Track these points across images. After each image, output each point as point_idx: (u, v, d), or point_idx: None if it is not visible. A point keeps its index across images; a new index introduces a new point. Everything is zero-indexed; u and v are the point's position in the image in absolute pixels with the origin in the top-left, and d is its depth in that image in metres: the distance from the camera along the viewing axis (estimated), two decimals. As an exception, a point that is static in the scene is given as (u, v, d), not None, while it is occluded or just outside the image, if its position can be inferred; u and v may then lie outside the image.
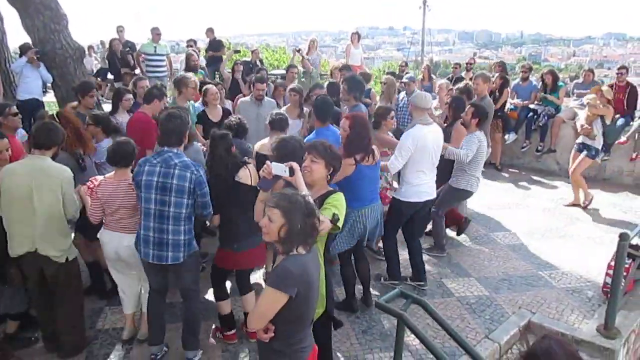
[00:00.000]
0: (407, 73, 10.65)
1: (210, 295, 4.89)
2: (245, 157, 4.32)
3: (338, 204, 3.14)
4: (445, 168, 5.69)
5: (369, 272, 4.95)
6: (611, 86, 8.70)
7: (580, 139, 7.59)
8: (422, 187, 5.02)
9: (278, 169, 3.05)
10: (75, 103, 6.49)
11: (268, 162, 3.13)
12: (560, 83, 8.79)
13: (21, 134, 5.49)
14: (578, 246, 6.30)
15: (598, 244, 6.29)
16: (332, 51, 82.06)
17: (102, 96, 10.21)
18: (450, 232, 6.48)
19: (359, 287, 4.95)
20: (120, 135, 5.46)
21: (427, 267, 5.75)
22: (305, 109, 6.63)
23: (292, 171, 3.03)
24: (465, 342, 3.38)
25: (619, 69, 8.89)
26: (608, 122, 7.45)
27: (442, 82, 8.35)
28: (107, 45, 10.54)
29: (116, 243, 4.05)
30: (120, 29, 10.44)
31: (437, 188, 5.40)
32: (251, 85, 7.08)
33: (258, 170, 3.89)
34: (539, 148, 9.24)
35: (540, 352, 2.06)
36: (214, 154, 4.03)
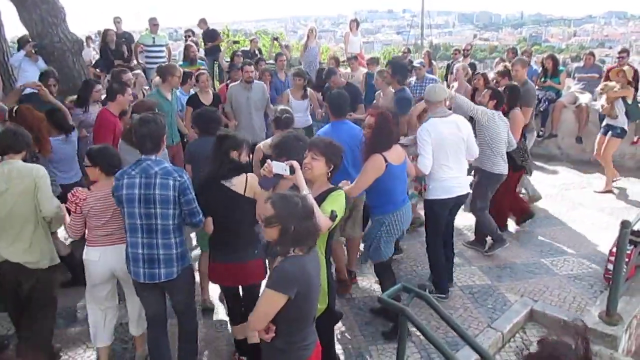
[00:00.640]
0: (408, 59, 10.65)
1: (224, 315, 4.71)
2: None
3: (338, 201, 3.15)
4: None
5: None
6: (613, 69, 8.66)
7: (604, 122, 7.55)
8: (450, 182, 4.69)
9: (279, 167, 3.06)
10: (74, 97, 6.50)
11: (269, 160, 3.14)
12: (560, 67, 8.74)
13: None
14: (580, 232, 6.30)
15: (600, 230, 6.29)
16: (331, 35, 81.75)
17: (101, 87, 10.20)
18: (465, 221, 6.34)
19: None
20: (78, 131, 5.51)
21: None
22: (309, 90, 7.26)
23: (292, 170, 3.03)
24: (467, 335, 3.40)
25: (619, 52, 8.83)
26: (630, 101, 7.38)
27: (460, 65, 8.40)
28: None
29: (110, 258, 3.71)
30: (117, 20, 10.36)
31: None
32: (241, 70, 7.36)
33: None
34: (540, 133, 9.20)
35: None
36: (214, 154, 3.73)
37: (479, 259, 5.69)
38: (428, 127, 4.67)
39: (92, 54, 10.89)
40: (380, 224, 4.19)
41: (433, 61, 11.32)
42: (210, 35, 10.98)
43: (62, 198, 4.07)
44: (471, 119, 5.27)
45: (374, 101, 6.79)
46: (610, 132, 7.39)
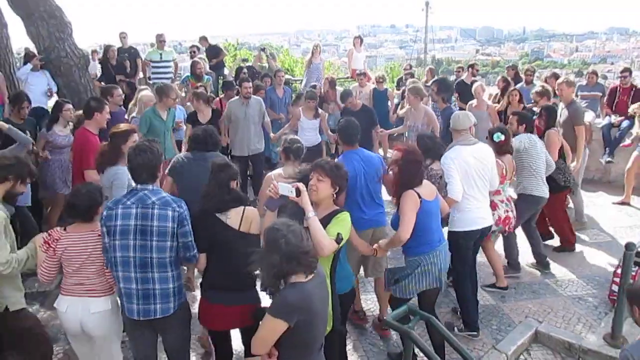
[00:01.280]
0: (410, 76, 10.74)
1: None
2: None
3: (343, 223, 3.15)
4: None
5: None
6: (615, 89, 8.70)
7: None
8: (476, 213, 4.54)
9: (284, 189, 3.08)
10: (79, 112, 6.54)
11: (275, 182, 3.15)
12: (564, 86, 8.75)
13: None
14: (584, 252, 6.29)
15: (604, 249, 6.29)
16: (334, 50, 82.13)
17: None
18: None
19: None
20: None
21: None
22: (320, 111, 7.62)
23: (298, 192, 3.04)
24: (471, 357, 3.39)
25: (622, 72, 8.90)
26: None
27: (478, 84, 8.46)
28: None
29: (79, 311, 3.36)
30: (123, 36, 10.46)
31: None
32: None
33: None
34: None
35: None
36: (210, 187, 3.49)
37: (482, 278, 5.62)
38: (451, 154, 4.55)
39: (97, 67, 10.99)
40: (416, 266, 3.89)
41: (436, 77, 11.39)
42: (214, 52, 11.09)
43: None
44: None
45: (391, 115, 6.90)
46: None
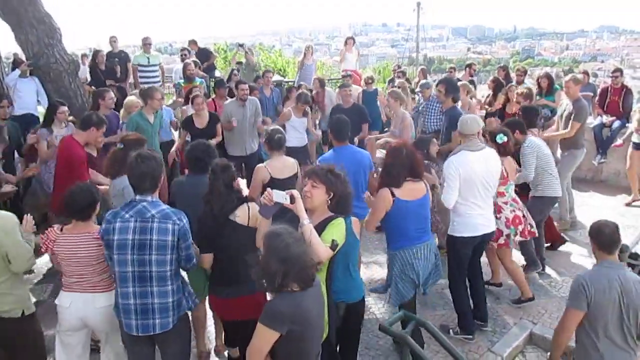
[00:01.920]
0: (402, 75, 10.77)
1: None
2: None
3: (338, 229, 3.13)
4: None
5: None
6: (606, 89, 8.74)
7: (635, 139, 7.69)
8: (477, 219, 4.48)
9: (279, 196, 3.06)
10: (71, 117, 6.51)
11: (269, 189, 3.13)
12: (555, 86, 8.80)
13: None
14: (577, 252, 6.31)
15: (597, 250, 6.28)
16: (325, 49, 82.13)
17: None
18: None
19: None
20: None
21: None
22: (308, 108, 7.60)
23: (292, 199, 3.03)
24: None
25: (613, 72, 8.94)
26: None
27: (461, 84, 8.18)
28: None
29: (82, 306, 3.43)
30: (113, 40, 10.38)
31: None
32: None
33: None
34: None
35: None
36: (213, 188, 3.56)
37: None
38: (456, 160, 4.45)
39: (87, 71, 10.90)
40: (394, 261, 4.06)
41: (428, 76, 11.46)
42: (204, 55, 11.06)
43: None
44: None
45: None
46: None
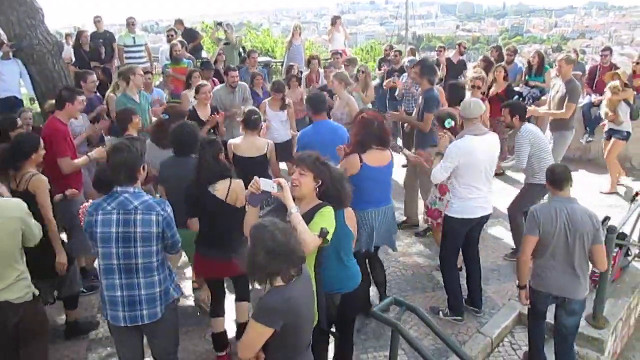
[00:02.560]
0: (390, 56, 10.64)
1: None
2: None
3: (327, 217, 3.10)
4: None
5: (385, 275, 4.85)
6: (595, 68, 8.73)
7: (607, 127, 7.61)
8: (476, 202, 4.51)
9: (266, 184, 3.02)
10: (53, 101, 6.38)
11: (256, 177, 3.08)
12: (546, 66, 8.78)
13: None
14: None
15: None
16: (314, 27, 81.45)
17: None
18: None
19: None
20: None
21: (416, 259, 5.80)
22: (288, 100, 6.93)
23: (280, 187, 2.99)
24: (455, 345, 3.45)
25: (602, 50, 8.92)
26: (631, 102, 7.43)
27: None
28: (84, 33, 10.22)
29: None
30: (97, 20, 10.12)
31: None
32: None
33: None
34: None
35: None
36: (201, 159, 3.82)
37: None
38: (460, 144, 4.45)
39: (71, 51, 10.68)
40: (360, 219, 4.17)
41: (417, 54, 11.37)
42: (190, 35, 10.87)
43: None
44: None
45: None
46: (614, 137, 7.45)
